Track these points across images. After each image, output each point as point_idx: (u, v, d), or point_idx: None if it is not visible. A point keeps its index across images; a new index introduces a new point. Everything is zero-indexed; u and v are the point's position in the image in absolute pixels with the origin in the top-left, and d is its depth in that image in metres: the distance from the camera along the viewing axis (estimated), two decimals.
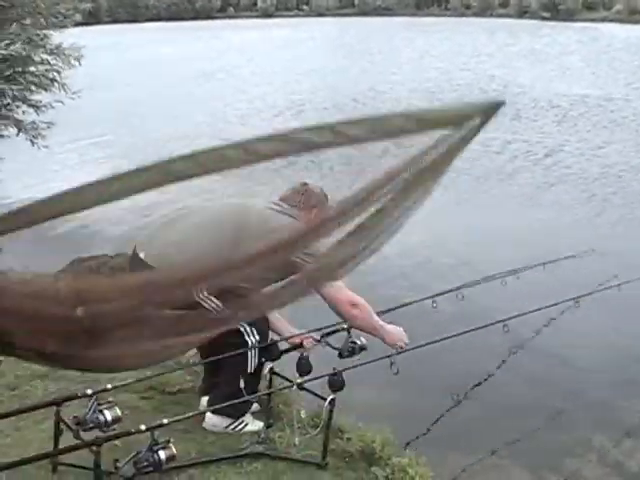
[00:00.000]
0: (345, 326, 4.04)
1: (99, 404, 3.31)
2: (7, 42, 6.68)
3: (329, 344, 4.11)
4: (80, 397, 3.48)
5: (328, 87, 25.42)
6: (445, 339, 4.25)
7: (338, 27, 68.59)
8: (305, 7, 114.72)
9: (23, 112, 7.54)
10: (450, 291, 5.34)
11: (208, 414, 3.94)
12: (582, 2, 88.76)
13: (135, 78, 29.50)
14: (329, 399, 3.65)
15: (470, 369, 5.60)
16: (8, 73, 7.00)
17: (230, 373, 3.91)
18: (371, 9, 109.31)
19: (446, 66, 31.05)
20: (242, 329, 3.78)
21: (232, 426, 4.01)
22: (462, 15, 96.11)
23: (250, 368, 3.88)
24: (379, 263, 7.99)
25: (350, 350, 3.99)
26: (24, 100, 7.56)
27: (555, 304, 5.10)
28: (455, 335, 4.35)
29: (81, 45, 7.82)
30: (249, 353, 3.84)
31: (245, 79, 27.91)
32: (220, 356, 3.81)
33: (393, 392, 5.14)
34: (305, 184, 4.08)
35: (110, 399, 3.42)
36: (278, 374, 4.01)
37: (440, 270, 7.79)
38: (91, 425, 3.27)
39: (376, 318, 3.93)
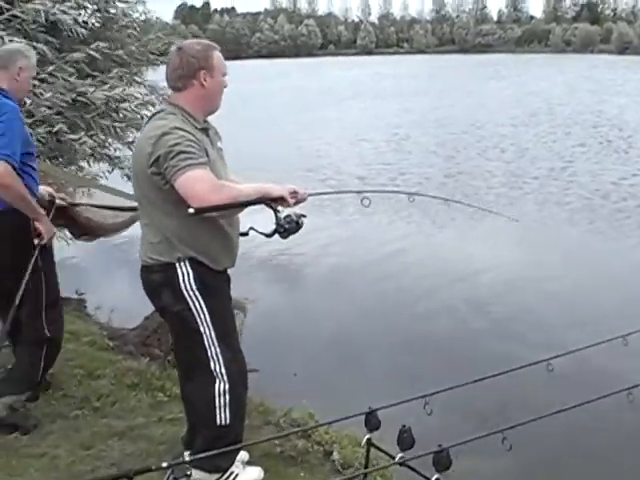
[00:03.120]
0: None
1: (175, 478, 2.97)
2: (110, 85, 6.82)
3: (255, 230, 3.18)
4: (154, 470, 3.12)
5: (428, 121, 25.22)
6: (565, 410, 3.72)
7: (438, 64, 68.49)
8: (405, 44, 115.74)
9: (116, 149, 7.48)
10: (566, 353, 4.77)
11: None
12: None
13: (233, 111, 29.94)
14: (434, 479, 3.19)
15: (590, 443, 5.00)
16: (108, 111, 7.04)
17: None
18: (471, 46, 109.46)
19: (544, 101, 30.40)
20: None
21: None
22: (562, 51, 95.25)
23: (221, 420, 3.27)
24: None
25: (288, 222, 2.96)
26: (119, 138, 7.48)
27: None
28: (575, 406, 3.82)
29: None
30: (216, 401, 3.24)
31: (346, 112, 27.96)
32: None
33: (506, 469, 4.61)
34: None
35: (188, 472, 3.06)
36: (377, 447, 3.56)
37: (555, 329, 7.18)
38: None
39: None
